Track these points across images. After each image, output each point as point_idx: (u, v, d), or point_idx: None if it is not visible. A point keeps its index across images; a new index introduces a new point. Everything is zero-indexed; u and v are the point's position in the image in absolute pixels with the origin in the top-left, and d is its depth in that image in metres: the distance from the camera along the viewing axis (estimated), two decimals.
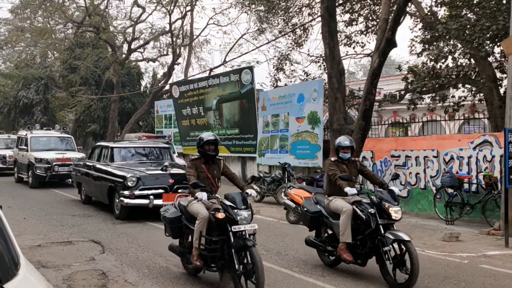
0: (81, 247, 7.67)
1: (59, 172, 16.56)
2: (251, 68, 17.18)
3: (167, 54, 28.89)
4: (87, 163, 12.79)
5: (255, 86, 17.06)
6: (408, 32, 17.59)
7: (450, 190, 10.84)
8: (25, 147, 17.58)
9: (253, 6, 21.35)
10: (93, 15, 25.78)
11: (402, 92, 16.60)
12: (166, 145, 13.28)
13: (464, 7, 14.16)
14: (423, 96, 16.25)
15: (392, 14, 11.32)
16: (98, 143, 13.79)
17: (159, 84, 28.67)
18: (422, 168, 11.84)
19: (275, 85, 20.06)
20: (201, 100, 19.27)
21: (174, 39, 27.09)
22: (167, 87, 27.37)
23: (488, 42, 13.26)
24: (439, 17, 15.14)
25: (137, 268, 6.39)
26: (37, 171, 16.43)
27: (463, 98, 15.68)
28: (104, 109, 30.18)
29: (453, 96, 15.94)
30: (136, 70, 33.26)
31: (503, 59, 13.54)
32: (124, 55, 28.66)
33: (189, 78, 24.14)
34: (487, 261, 7.15)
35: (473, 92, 15.78)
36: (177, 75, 32.18)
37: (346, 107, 16.39)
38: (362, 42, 18.67)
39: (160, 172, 10.41)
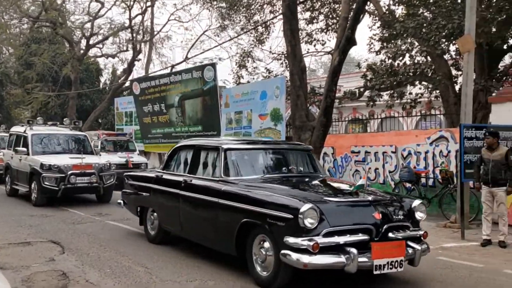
0: (40, 248, 7.48)
1: (77, 185, 12.14)
2: (213, 65, 17.10)
3: (127, 50, 28.44)
4: (164, 176, 7.59)
5: (217, 83, 16.98)
6: (367, 30, 17.91)
7: (408, 185, 11.16)
8: (24, 149, 12.91)
9: (215, 2, 21.31)
10: (49, 10, 25.08)
11: (362, 89, 16.94)
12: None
13: (421, 6, 14.54)
14: (382, 93, 16.62)
15: (352, 13, 11.52)
16: (185, 143, 7.86)
17: (119, 81, 28.19)
18: (381, 163, 12.12)
19: (238, 82, 20.09)
20: (162, 97, 19.03)
21: (134, 35, 26.69)
22: (127, 83, 26.94)
23: (444, 40, 13.67)
24: (397, 16, 15.50)
25: (98, 268, 6.29)
26: (46, 182, 11.86)
27: (420, 95, 16.13)
28: (62, 106, 29.43)
29: (410, 93, 16.38)
30: (95, 66, 32.60)
31: (458, 56, 14.00)
32: (82, 51, 28.03)
33: (150, 75, 23.82)
34: (444, 253, 7.40)
35: (429, 89, 16.27)
36: (138, 71, 31.79)
37: (308, 104, 16.59)
38: (322, 40, 18.96)
39: (352, 197, 5.46)
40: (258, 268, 5.47)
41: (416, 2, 14.80)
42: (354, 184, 5.84)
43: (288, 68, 13.52)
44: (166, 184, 7.36)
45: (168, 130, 18.87)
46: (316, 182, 6.43)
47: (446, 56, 14.87)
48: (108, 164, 12.84)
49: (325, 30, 18.45)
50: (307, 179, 6.54)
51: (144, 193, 7.94)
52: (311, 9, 18.29)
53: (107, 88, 30.60)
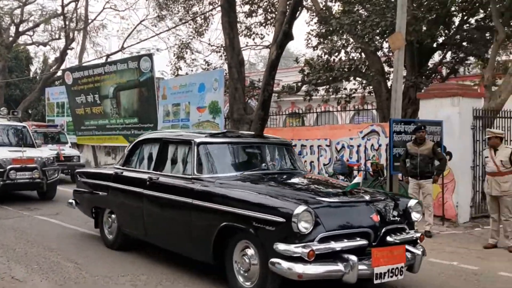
0: None
1: (17, 180, 11.02)
2: (150, 56, 16.75)
3: (59, 38, 27.30)
4: (124, 174, 6.79)
5: (155, 74, 16.67)
6: (305, 25, 18.18)
7: (341, 177, 11.46)
8: None
9: None
10: None
11: (299, 84, 17.20)
12: None
13: (356, 3, 14.93)
14: (318, 88, 16.97)
15: (289, 8, 11.63)
16: (150, 136, 7.20)
17: (51, 70, 27.02)
18: (316, 156, 12.38)
19: (176, 74, 19.82)
20: (96, 87, 18.44)
21: (67, 22, 25.64)
22: (59, 73, 25.85)
23: (378, 37, 14.13)
24: (334, 12, 15.83)
25: (25, 264, 6.02)
26: None
27: (354, 90, 16.60)
28: None
29: (345, 89, 16.83)
30: (24, 54, 31.14)
31: (391, 53, 14.50)
32: (11, 38, 26.63)
33: (83, 64, 22.99)
34: None
35: (363, 85, 16.78)
36: (71, 60, 30.58)
37: (247, 97, 16.64)
38: (261, 34, 19.05)
39: (347, 197, 4.95)
40: (240, 279, 4.82)
41: None
42: (343, 182, 5.55)
43: (227, 61, 13.50)
44: (127, 183, 6.52)
45: (102, 122, 18.34)
46: (301, 179, 5.87)
47: (379, 53, 15.36)
48: (51, 158, 11.83)
49: (264, 24, 18.54)
50: (290, 177, 5.95)
51: (100, 192, 7.06)
52: (250, 2, 18.31)
53: (37, 77, 29.25)
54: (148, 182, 6.05)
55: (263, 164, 6.14)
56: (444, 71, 16.94)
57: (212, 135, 6.21)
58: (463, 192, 9.51)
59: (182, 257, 5.83)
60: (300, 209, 4.31)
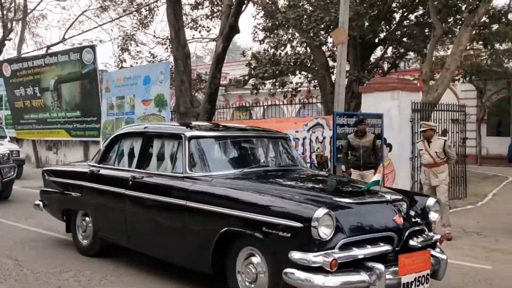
0: None
1: None
2: (93, 47, 16.33)
3: None
4: (101, 172, 6.08)
5: (97, 66, 16.27)
6: (251, 19, 18.24)
7: None
8: None
9: None
10: None
11: (246, 77, 17.29)
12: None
13: None
14: (265, 81, 17.12)
15: (235, 1, 11.67)
16: (131, 129, 6.43)
17: None
18: None
19: (120, 66, 19.38)
20: (36, 79, 17.80)
21: (5, 12, 24.49)
22: None
23: (322, 32, 14.41)
24: (279, 6, 15.99)
25: None
26: None
27: (300, 84, 16.87)
28: None
29: (291, 82, 17.07)
30: None
31: (335, 48, 14.84)
32: None
33: (23, 56, 22.08)
34: None
35: (308, 79, 17.08)
36: (9, 51, 29.19)
37: (193, 90, 16.56)
38: (208, 27, 18.95)
39: (366, 197, 4.37)
40: None
41: None
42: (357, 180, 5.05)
43: (173, 54, 13.36)
44: (105, 182, 5.79)
45: (42, 115, 17.75)
46: (307, 177, 5.34)
47: (324, 48, 15.69)
48: (6, 155, 10.74)
49: (210, 17, 18.46)
50: (294, 174, 5.33)
51: (72, 193, 6.29)
52: None
53: None
54: (131, 182, 5.38)
55: (262, 160, 5.54)
56: (386, 66, 17.51)
57: (204, 128, 5.68)
58: (402, 182, 9.88)
59: (128, 252, 5.76)
60: (320, 212, 3.75)
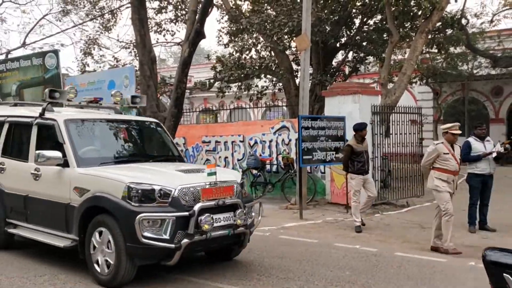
0: None
1: None
2: (56, 52, 16.14)
3: None
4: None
5: (60, 70, 16.11)
6: (216, 23, 18.45)
7: (254, 171, 11.93)
8: None
9: None
10: None
11: (212, 81, 17.48)
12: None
13: (265, 3, 15.48)
14: (231, 84, 17.36)
15: (200, 6, 11.85)
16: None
17: None
18: (230, 152, 12.75)
19: (83, 71, 19.21)
20: None
21: None
22: None
23: (286, 37, 14.78)
24: (243, 11, 16.27)
25: None
26: None
27: (265, 87, 17.19)
28: None
29: (256, 86, 17.37)
30: None
31: (298, 52, 15.24)
32: None
33: None
34: (285, 232, 8.17)
35: (273, 82, 17.42)
36: None
37: (158, 94, 16.62)
38: (172, 31, 19.04)
39: None
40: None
41: None
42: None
43: (138, 58, 13.41)
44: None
45: None
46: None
47: (287, 52, 16.05)
48: None
49: (174, 21, 18.57)
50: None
51: None
52: None
53: None
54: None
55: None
56: (347, 69, 18.05)
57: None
58: None
59: None
60: None
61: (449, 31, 15.78)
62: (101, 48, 20.17)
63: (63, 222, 5.65)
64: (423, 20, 12.17)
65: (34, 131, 6.35)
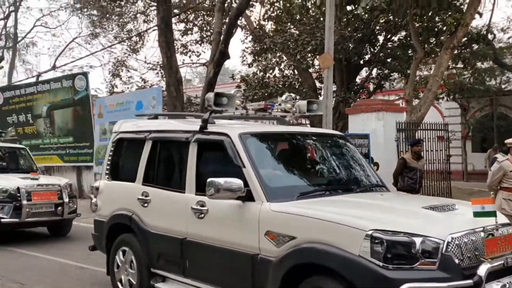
0: None
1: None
2: (85, 74, 16.62)
3: None
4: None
5: (90, 92, 16.55)
6: (240, 43, 18.72)
7: None
8: None
9: (85, 10, 20.70)
10: None
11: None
12: None
13: (288, 23, 15.64)
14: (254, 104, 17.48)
15: (225, 28, 12.10)
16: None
17: None
18: None
19: (111, 92, 19.68)
20: (29, 107, 18.02)
21: None
22: None
23: (309, 55, 14.87)
24: (267, 31, 16.47)
25: None
26: None
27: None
28: None
29: (280, 104, 17.43)
30: None
31: (322, 70, 15.30)
32: None
33: (15, 83, 22.31)
34: None
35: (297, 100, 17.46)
36: (0, 79, 29.45)
37: None
38: (197, 52, 19.39)
39: None
40: None
41: (284, 19, 15.90)
42: None
43: (164, 78, 13.70)
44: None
45: (35, 142, 17.88)
46: None
47: (311, 70, 16.13)
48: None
49: (199, 42, 18.91)
50: None
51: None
52: (185, 20, 18.64)
53: None
54: None
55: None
56: (371, 86, 17.99)
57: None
58: None
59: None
60: None
61: (475, 46, 15.62)
62: (129, 69, 20.67)
63: (247, 280, 3.93)
64: (448, 36, 12.08)
65: (193, 151, 4.61)
